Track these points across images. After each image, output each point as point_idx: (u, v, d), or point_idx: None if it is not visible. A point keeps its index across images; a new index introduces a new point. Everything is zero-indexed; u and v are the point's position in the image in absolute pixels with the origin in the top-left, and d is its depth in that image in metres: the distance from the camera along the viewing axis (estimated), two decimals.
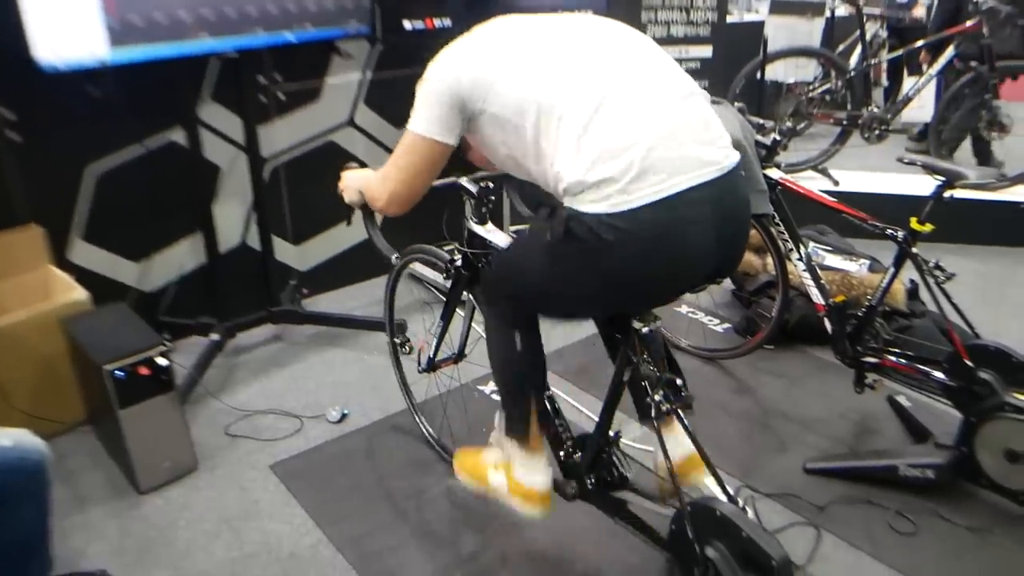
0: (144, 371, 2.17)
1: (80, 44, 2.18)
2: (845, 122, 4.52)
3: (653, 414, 1.53)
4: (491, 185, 1.88)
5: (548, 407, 1.81)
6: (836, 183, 4.24)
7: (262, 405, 2.72)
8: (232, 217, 3.15)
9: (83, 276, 2.71)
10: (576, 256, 1.40)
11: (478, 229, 1.90)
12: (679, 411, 1.53)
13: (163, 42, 2.34)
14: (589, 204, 1.36)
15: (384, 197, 1.65)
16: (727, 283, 3.36)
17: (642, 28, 3.97)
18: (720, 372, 2.93)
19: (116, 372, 2.12)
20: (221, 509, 2.22)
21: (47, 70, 2.14)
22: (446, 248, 2.06)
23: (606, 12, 3.55)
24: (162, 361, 2.20)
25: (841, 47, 5.41)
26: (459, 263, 1.99)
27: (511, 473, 1.78)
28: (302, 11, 2.63)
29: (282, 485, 2.32)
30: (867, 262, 3.08)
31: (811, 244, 3.09)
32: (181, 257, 3.05)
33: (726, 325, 3.28)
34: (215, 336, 2.89)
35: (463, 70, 1.48)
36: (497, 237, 1.86)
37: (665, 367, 1.59)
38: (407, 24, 3.00)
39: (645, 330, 1.54)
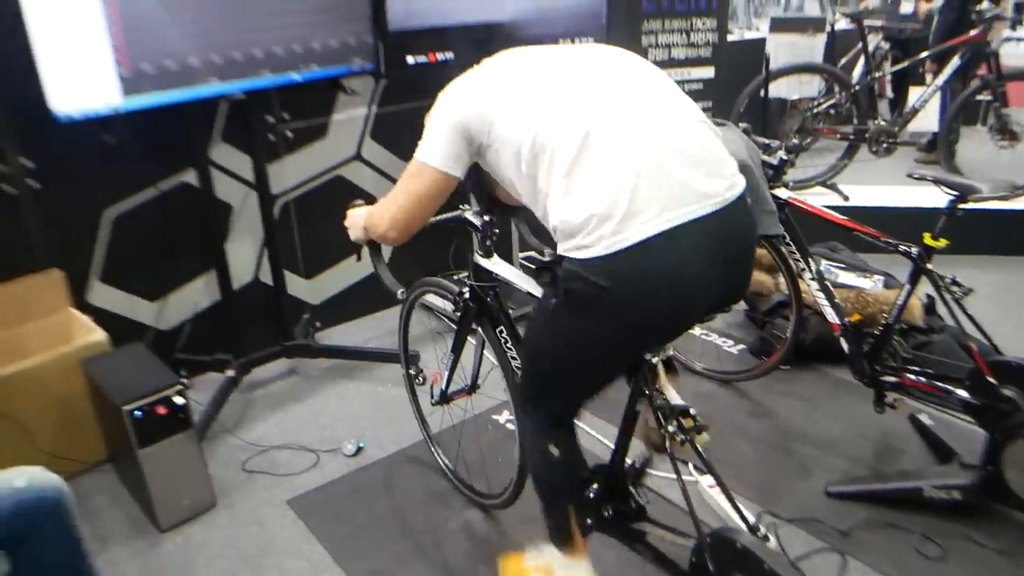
0: (162, 410, 2.19)
1: (94, 94, 2.24)
2: (852, 136, 4.51)
3: (668, 446, 1.52)
4: (494, 218, 1.89)
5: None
6: (846, 198, 4.21)
7: (278, 440, 2.74)
8: (245, 254, 3.19)
9: (102, 317, 2.76)
10: (582, 312, 1.39)
11: (484, 262, 1.91)
12: (694, 440, 1.52)
13: (174, 88, 2.39)
14: (581, 250, 1.34)
15: (385, 222, 1.65)
16: (740, 303, 3.34)
17: (643, 52, 4.00)
18: (736, 394, 2.91)
19: (135, 412, 2.14)
20: (240, 546, 2.23)
21: (63, 120, 2.19)
22: (455, 280, 2.08)
23: (606, 38, 3.60)
24: (179, 400, 2.22)
25: (843, 61, 5.43)
26: (467, 295, 2.00)
27: None
28: (307, 52, 2.68)
29: (300, 521, 2.32)
30: (882, 279, 3.06)
31: (823, 262, 3.08)
32: (196, 295, 3.09)
33: (740, 346, 3.27)
34: (231, 372, 2.92)
35: (469, 103, 1.48)
36: (503, 269, 1.87)
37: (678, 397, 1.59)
38: (410, 59, 3.04)
39: (656, 361, 1.53)
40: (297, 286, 3.40)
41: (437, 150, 1.50)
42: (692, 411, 1.52)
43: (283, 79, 2.65)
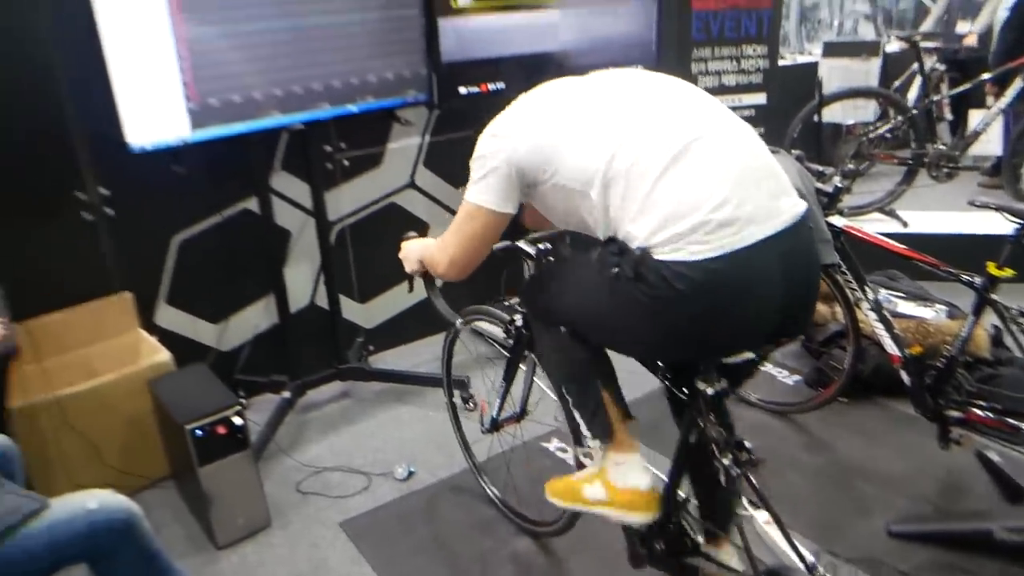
0: (221, 430, 2.25)
1: (165, 127, 2.37)
2: (910, 161, 4.43)
3: (723, 479, 1.51)
4: (548, 246, 1.91)
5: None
6: (905, 224, 4.13)
7: (331, 462, 2.78)
8: (302, 278, 3.27)
9: (168, 337, 2.87)
10: (641, 299, 1.36)
11: None
12: (748, 474, 1.50)
13: (238, 121, 2.51)
14: (662, 253, 1.33)
15: (444, 264, 1.67)
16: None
17: (693, 80, 3.99)
18: (792, 427, 2.85)
19: (196, 431, 2.21)
20: (293, 567, 2.27)
21: (136, 151, 2.32)
22: (506, 305, 2.09)
23: (656, 66, 3.61)
24: (238, 420, 2.28)
25: (896, 83, 5.33)
26: (520, 324, 2.02)
27: (607, 480, 1.67)
28: (364, 84, 2.77)
29: (351, 543, 2.35)
30: (944, 308, 2.95)
31: (882, 291, 3.01)
32: (255, 318, 3.18)
33: (796, 377, 3.20)
34: (286, 394, 2.98)
35: (519, 141, 1.48)
36: None
37: (734, 429, 1.57)
38: (462, 90, 3.10)
39: (711, 391, 1.52)
40: (352, 310, 3.46)
41: (489, 191, 1.51)
42: (747, 444, 1.50)
43: (341, 111, 2.74)
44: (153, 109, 2.33)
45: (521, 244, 1.95)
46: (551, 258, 1.91)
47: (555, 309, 1.66)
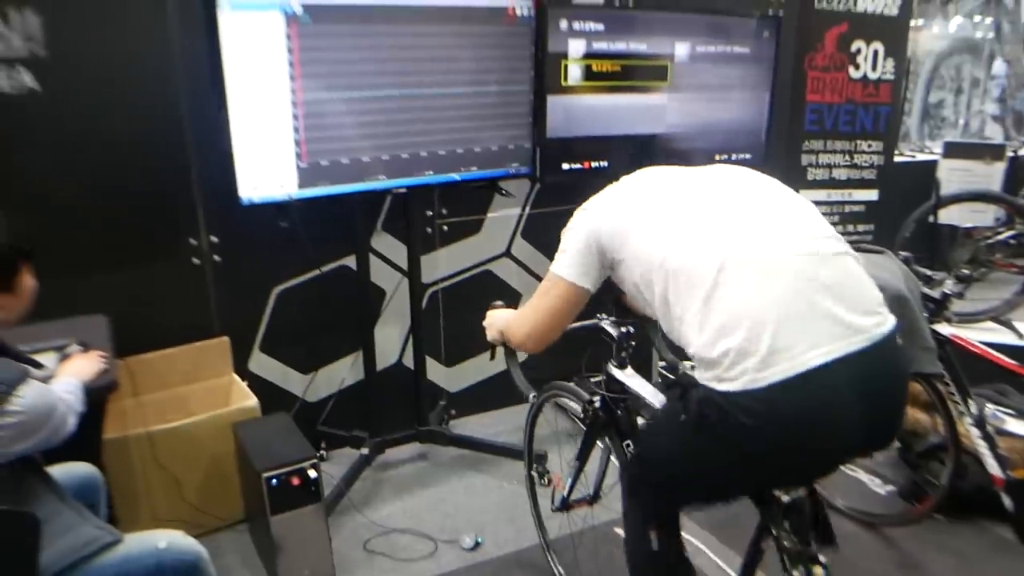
0: (295, 481, 2.30)
1: (275, 183, 2.50)
2: None
3: None
4: (631, 329, 1.90)
5: None
6: (1021, 336, 3.89)
7: (401, 523, 2.79)
8: (392, 337, 3.35)
9: (258, 383, 2.99)
10: (711, 439, 1.34)
11: (617, 373, 1.91)
12: None
13: (344, 182, 2.63)
14: (721, 382, 1.30)
15: (522, 334, 1.70)
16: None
17: (802, 172, 3.93)
18: (881, 541, 2.67)
19: (272, 479, 2.26)
20: None
21: (245, 204, 2.46)
22: (588, 383, 2.08)
23: (764, 157, 3.58)
24: (313, 473, 2.33)
25: None
26: (598, 405, 2.00)
27: None
28: (469, 154, 2.86)
29: None
30: None
31: (989, 406, 2.83)
32: (343, 371, 3.25)
33: (889, 487, 3.01)
34: (365, 450, 3.02)
35: (603, 220, 1.52)
36: (636, 383, 1.86)
37: (810, 539, 1.49)
38: (565, 166, 3.15)
39: (787, 499, 1.45)
40: (437, 373, 3.51)
41: (570, 264, 1.55)
42: (823, 559, 1.42)
43: (444, 178, 2.83)
44: (266, 166, 2.47)
45: (604, 324, 1.94)
46: (632, 341, 1.89)
47: (641, 476, 1.65)
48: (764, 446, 1.30)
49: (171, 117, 2.64)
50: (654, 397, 1.80)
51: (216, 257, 2.84)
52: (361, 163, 2.63)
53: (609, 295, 1.81)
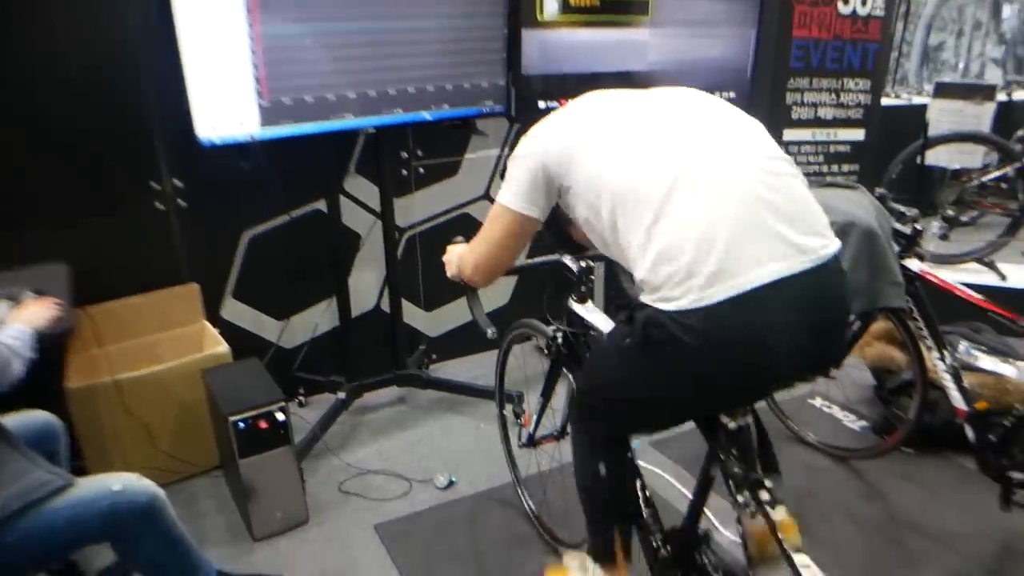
0: (263, 424, 2.30)
1: (236, 123, 2.42)
2: (1018, 212, 4.16)
3: (736, 516, 1.44)
4: (592, 264, 1.87)
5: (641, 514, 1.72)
6: (1003, 277, 3.88)
7: (376, 465, 2.81)
8: (369, 282, 3.33)
9: (231, 331, 2.97)
10: (656, 361, 1.33)
11: (577, 307, 1.89)
12: (767, 514, 1.42)
13: (309, 121, 2.55)
14: (666, 302, 1.28)
15: (470, 267, 1.67)
16: (868, 378, 3.13)
17: (787, 110, 3.87)
18: (849, 473, 2.71)
19: (238, 423, 2.27)
20: (322, 564, 2.29)
21: (205, 145, 2.38)
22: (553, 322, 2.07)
23: (749, 95, 3.52)
24: (280, 416, 2.33)
25: (1021, 132, 5.03)
26: (560, 341, 1.99)
27: None
28: (440, 92, 2.78)
29: (383, 546, 2.36)
30: None
31: (963, 343, 2.83)
32: (319, 317, 3.25)
33: (862, 423, 3.04)
34: (341, 394, 3.02)
35: (550, 145, 1.47)
36: (595, 317, 1.85)
37: (756, 465, 1.49)
38: (541, 104, 3.09)
39: (732, 425, 1.45)
40: (416, 318, 3.50)
41: (517, 193, 1.51)
42: (768, 483, 1.42)
43: (414, 117, 2.76)
44: (224, 104, 2.38)
45: (564, 259, 1.92)
46: (592, 275, 1.87)
47: (585, 397, 1.63)
48: (708, 367, 1.30)
49: (126, 53, 2.55)
50: (607, 327, 1.79)
51: (182, 202, 2.79)
52: (327, 101, 2.56)
53: (554, 228, 1.76)
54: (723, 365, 1.30)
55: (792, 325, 1.30)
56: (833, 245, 1.36)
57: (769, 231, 1.28)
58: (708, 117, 1.43)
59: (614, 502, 1.67)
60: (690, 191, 1.30)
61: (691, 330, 1.26)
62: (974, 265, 4.12)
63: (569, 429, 1.77)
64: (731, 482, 1.45)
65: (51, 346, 1.85)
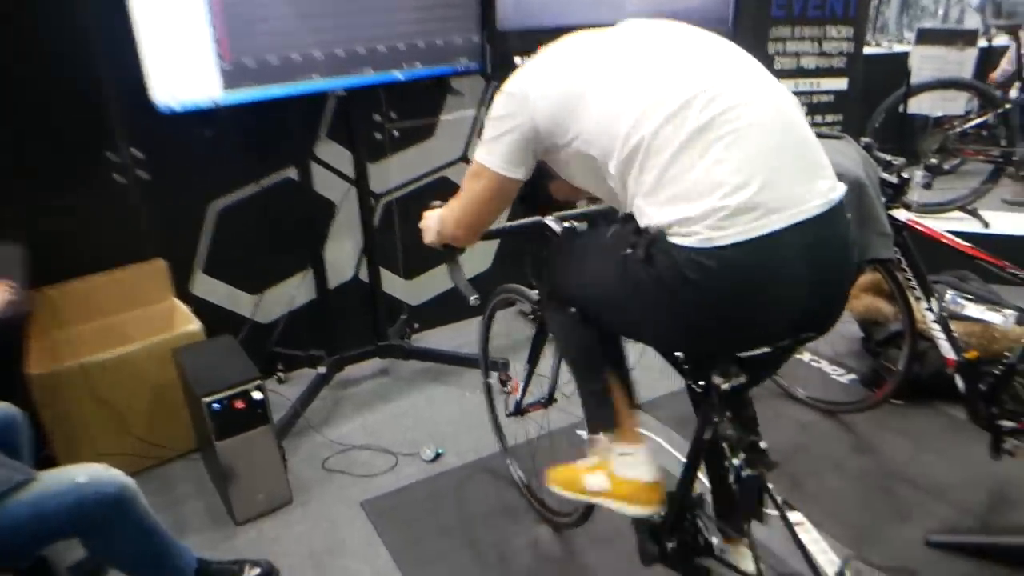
0: (239, 404, 2.22)
1: (196, 87, 2.29)
2: (999, 159, 4.12)
3: (732, 478, 1.39)
4: (576, 225, 1.80)
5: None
6: (986, 225, 3.86)
7: (361, 439, 2.75)
8: (346, 251, 3.24)
9: (204, 307, 2.86)
10: (653, 284, 1.26)
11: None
12: (763, 476, 1.37)
13: (274, 83, 2.42)
14: (675, 236, 1.22)
15: (450, 226, 1.60)
16: (856, 331, 3.09)
17: (769, 59, 3.79)
18: (839, 427, 2.69)
19: (213, 404, 2.18)
20: (308, 545, 2.24)
21: (165, 112, 2.25)
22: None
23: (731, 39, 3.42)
24: (257, 395, 2.25)
25: (996, 75, 4.98)
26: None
27: (610, 471, 1.60)
28: (411, 50, 2.67)
29: (369, 524, 2.31)
30: (1014, 314, 2.73)
31: (949, 292, 2.81)
32: (295, 290, 3.15)
33: (851, 376, 3.02)
34: (322, 369, 2.95)
35: (540, 102, 1.36)
36: None
37: (753, 426, 1.44)
38: (518, 60, 2.97)
39: (726, 386, 1.40)
40: (396, 286, 3.42)
41: (500, 154, 1.42)
42: (762, 444, 1.37)
43: (385, 77, 2.65)
44: (183, 68, 2.25)
45: (548, 221, 1.84)
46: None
47: (565, 287, 1.58)
48: (706, 305, 1.25)
49: (74, 14, 2.38)
50: None
51: (143, 173, 2.65)
52: (292, 62, 2.43)
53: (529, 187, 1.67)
54: (719, 305, 1.25)
55: (797, 272, 1.24)
56: (839, 188, 1.31)
57: (786, 178, 1.23)
58: (713, 48, 1.36)
59: (598, 344, 1.57)
60: (712, 135, 1.22)
61: (694, 264, 1.21)
62: (956, 213, 4.10)
63: (545, 316, 1.72)
64: (725, 444, 1.39)
65: (7, 331, 1.75)
